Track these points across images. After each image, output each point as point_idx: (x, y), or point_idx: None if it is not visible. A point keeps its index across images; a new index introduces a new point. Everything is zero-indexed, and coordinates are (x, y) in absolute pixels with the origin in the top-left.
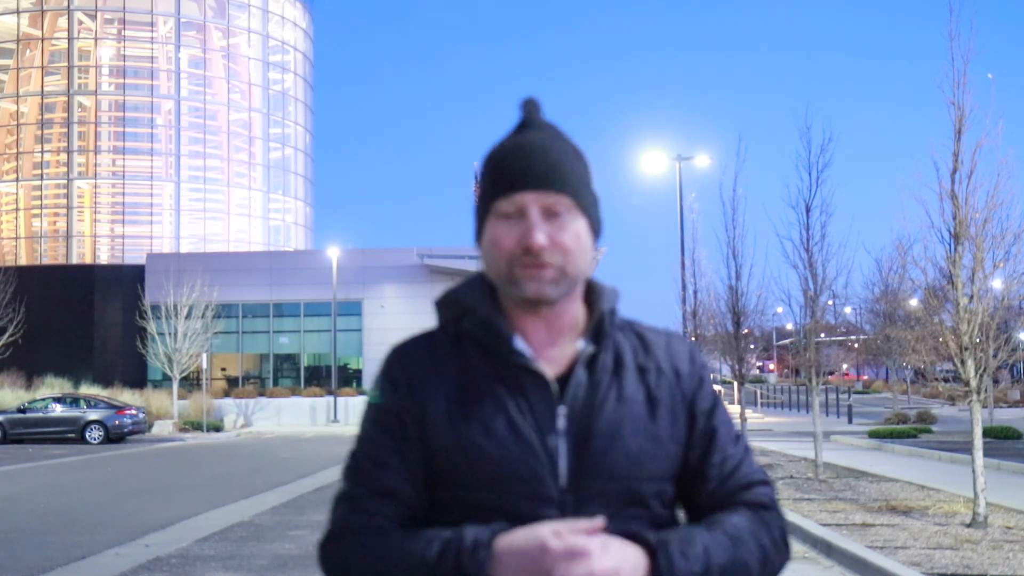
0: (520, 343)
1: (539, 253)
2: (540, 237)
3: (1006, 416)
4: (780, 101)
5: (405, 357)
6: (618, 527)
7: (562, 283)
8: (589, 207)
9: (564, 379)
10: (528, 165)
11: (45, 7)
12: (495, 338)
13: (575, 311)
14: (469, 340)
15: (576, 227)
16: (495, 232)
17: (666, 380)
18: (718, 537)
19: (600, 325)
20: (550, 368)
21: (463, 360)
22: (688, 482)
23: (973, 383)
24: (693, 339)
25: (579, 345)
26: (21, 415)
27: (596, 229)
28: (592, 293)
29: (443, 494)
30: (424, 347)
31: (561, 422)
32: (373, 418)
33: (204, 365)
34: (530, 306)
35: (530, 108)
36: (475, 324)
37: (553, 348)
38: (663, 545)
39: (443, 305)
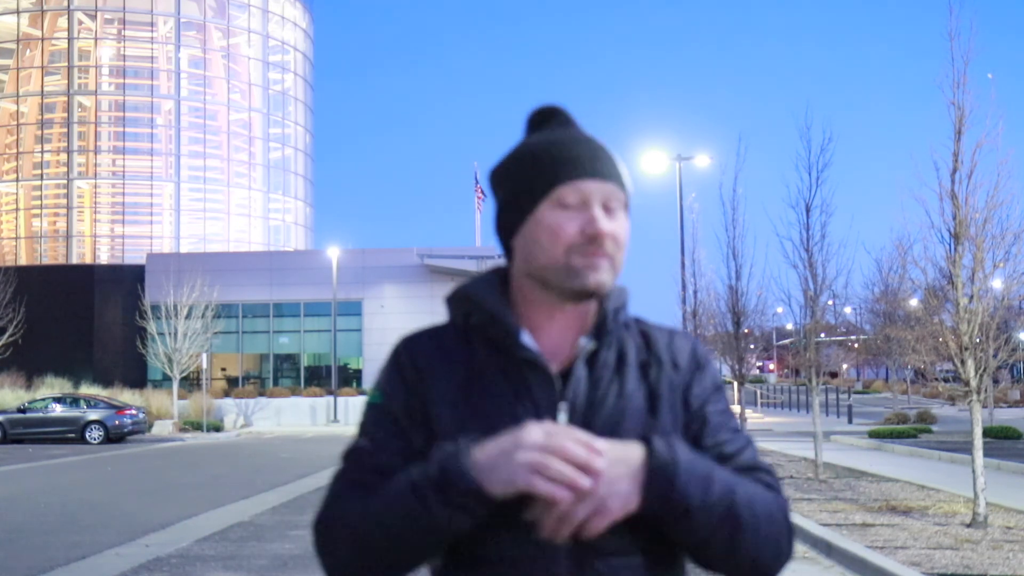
0: (527, 338)
1: (604, 242)
2: (607, 224)
3: (1006, 416)
4: (780, 101)
5: (414, 346)
6: (621, 524)
7: (613, 277)
8: (630, 208)
9: (568, 375)
10: (593, 155)
11: (45, 7)
12: (502, 332)
13: (589, 309)
14: (477, 335)
15: (625, 224)
16: (553, 220)
17: (666, 374)
18: (725, 470)
19: (603, 322)
20: (556, 364)
21: (470, 354)
22: None
23: (973, 383)
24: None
25: (581, 342)
26: (21, 415)
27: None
28: None
29: None
30: (433, 339)
31: (562, 418)
32: (378, 402)
33: (204, 365)
34: (577, 299)
35: (562, 111)
36: (483, 318)
37: (561, 344)
38: (665, 435)
39: (453, 300)
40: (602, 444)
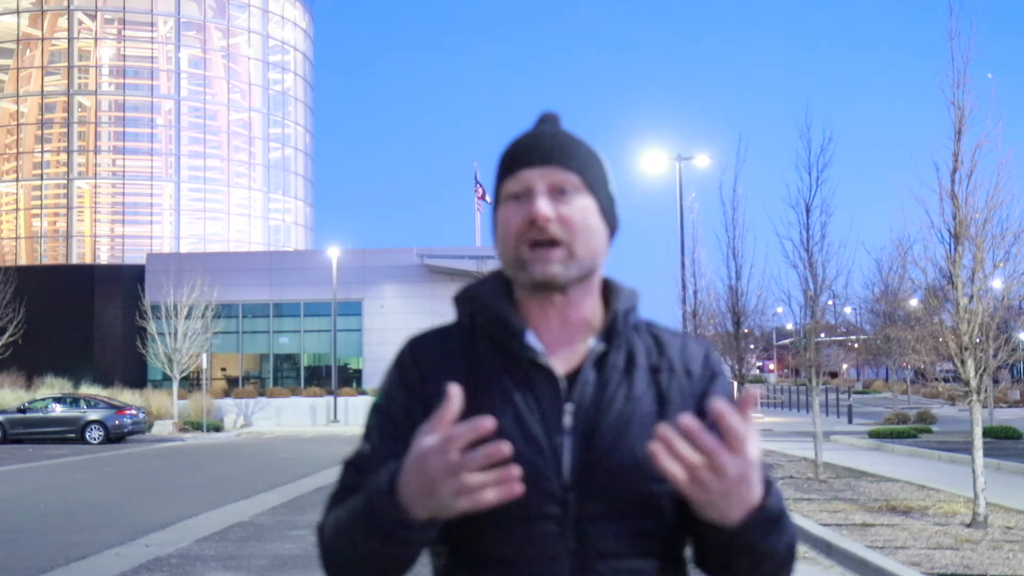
0: (532, 338)
1: (545, 225)
2: (545, 207)
3: (1006, 416)
4: (780, 101)
5: (418, 348)
6: (624, 526)
7: (571, 265)
8: (599, 189)
9: (574, 376)
10: (533, 144)
11: (45, 7)
12: (506, 332)
13: (590, 308)
14: (482, 335)
15: (583, 204)
16: (503, 215)
17: (677, 380)
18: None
19: (614, 324)
20: (561, 365)
21: (475, 354)
22: None
23: (973, 383)
24: None
25: (590, 343)
26: (21, 415)
27: (610, 222)
28: (610, 292)
29: None
30: (438, 340)
31: (568, 419)
32: (380, 406)
33: (204, 365)
34: (541, 292)
35: (546, 115)
36: (488, 319)
37: (566, 345)
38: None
39: (460, 300)
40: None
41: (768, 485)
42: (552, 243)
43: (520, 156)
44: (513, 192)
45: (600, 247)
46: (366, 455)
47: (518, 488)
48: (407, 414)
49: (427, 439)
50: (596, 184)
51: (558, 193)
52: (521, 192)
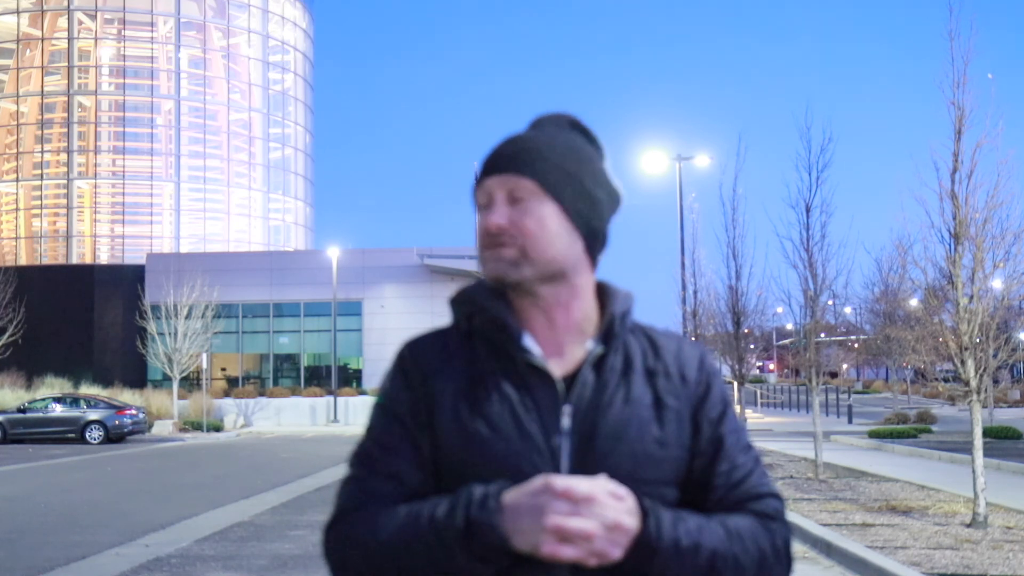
0: (528, 341)
1: (496, 234)
2: (494, 218)
3: (1006, 416)
4: (780, 101)
5: (417, 350)
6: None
7: (524, 266)
8: (562, 193)
9: (572, 379)
10: (499, 152)
11: (45, 7)
12: (504, 335)
13: (584, 311)
14: (480, 337)
15: (541, 211)
16: (477, 223)
17: (674, 385)
18: (714, 526)
19: (610, 327)
20: (558, 367)
21: (473, 357)
22: (694, 490)
23: (973, 383)
24: (694, 339)
25: (588, 346)
26: (21, 415)
27: (584, 222)
28: (605, 295)
29: (446, 487)
30: (436, 342)
31: (566, 421)
32: (384, 406)
33: (204, 365)
34: (509, 291)
35: (537, 119)
36: (485, 321)
37: (562, 348)
38: (655, 509)
39: (456, 303)
40: (618, 504)
41: (647, 515)
42: (502, 244)
43: (486, 165)
44: (480, 201)
45: (565, 249)
46: (376, 456)
47: (590, 561)
48: (414, 415)
49: (582, 484)
50: (558, 188)
51: (515, 200)
52: (485, 201)
